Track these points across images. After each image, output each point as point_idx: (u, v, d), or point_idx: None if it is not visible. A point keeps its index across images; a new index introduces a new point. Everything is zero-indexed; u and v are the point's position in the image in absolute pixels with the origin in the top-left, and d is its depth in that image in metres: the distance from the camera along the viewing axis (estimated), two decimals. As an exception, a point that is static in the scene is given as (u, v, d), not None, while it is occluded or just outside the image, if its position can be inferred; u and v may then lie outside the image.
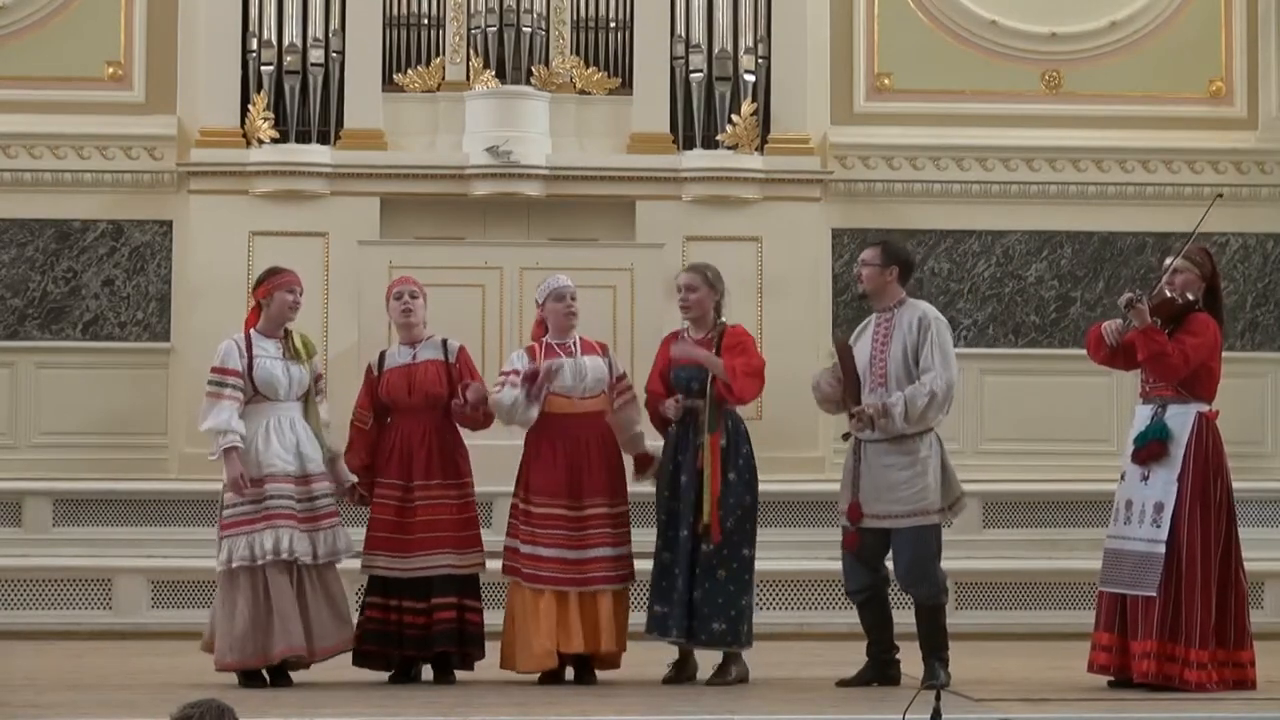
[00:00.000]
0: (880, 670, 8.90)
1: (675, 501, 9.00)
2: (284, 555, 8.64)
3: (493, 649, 9.04)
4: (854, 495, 8.83)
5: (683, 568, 8.92)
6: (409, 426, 9.05)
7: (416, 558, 8.92)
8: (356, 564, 9.18)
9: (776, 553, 11.67)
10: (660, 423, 9.16)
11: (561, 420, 9.01)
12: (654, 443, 9.26)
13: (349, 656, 9.00)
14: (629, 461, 9.16)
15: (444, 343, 9.17)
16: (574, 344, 9.12)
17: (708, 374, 8.95)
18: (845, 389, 8.87)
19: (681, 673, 9.05)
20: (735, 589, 8.93)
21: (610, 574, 8.92)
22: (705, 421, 8.93)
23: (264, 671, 8.72)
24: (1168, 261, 8.85)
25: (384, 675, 9.03)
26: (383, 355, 9.23)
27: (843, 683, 8.88)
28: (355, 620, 9.08)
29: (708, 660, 9.09)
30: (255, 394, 8.82)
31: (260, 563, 8.66)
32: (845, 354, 8.92)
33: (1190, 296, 8.70)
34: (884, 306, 8.97)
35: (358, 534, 9.17)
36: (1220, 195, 9.18)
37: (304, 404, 8.92)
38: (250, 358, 8.83)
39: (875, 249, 9.06)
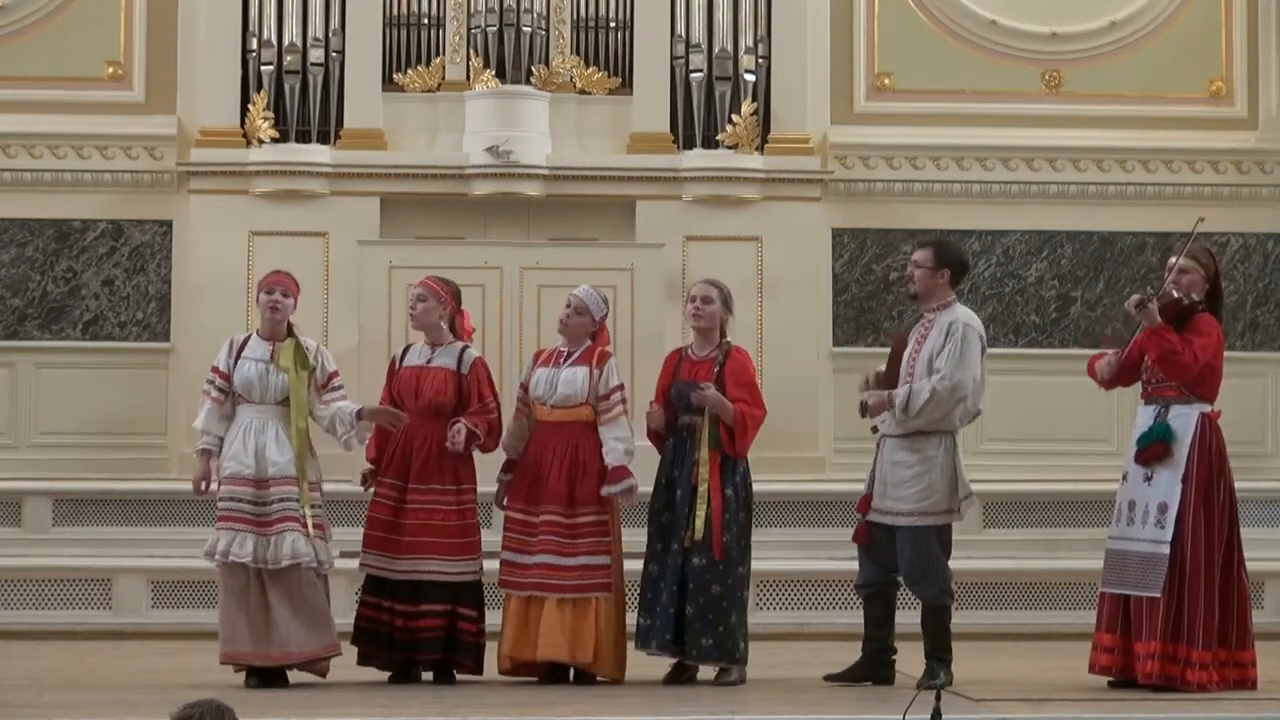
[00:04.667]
0: (874, 668, 8.90)
1: (668, 515, 8.98)
2: (219, 556, 8.68)
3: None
4: (868, 488, 8.87)
5: (669, 582, 8.90)
6: (412, 428, 9.03)
7: (404, 560, 8.92)
8: (354, 564, 9.18)
9: (776, 553, 11.67)
10: (658, 439, 9.13)
11: (541, 427, 9.06)
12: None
13: (350, 656, 9.01)
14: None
15: (462, 351, 9.14)
16: (567, 353, 9.10)
17: (695, 391, 8.92)
18: (886, 384, 8.88)
19: (681, 675, 9.04)
20: (726, 605, 8.88)
21: (546, 582, 8.82)
22: (704, 438, 8.93)
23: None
24: (1171, 261, 8.84)
25: (383, 675, 9.03)
26: (405, 350, 9.26)
27: (831, 677, 8.88)
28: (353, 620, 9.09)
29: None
30: (239, 395, 8.86)
31: (213, 563, 8.75)
32: (898, 350, 8.91)
33: (1195, 297, 8.71)
34: (931, 308, 8.94)
35: (355, 534, 9.17)
36: (1202, 219, 9.23)
37: (287, 409, 8.84)
38: (238, 358, 8.86)
39: (928, 250, 8.97)
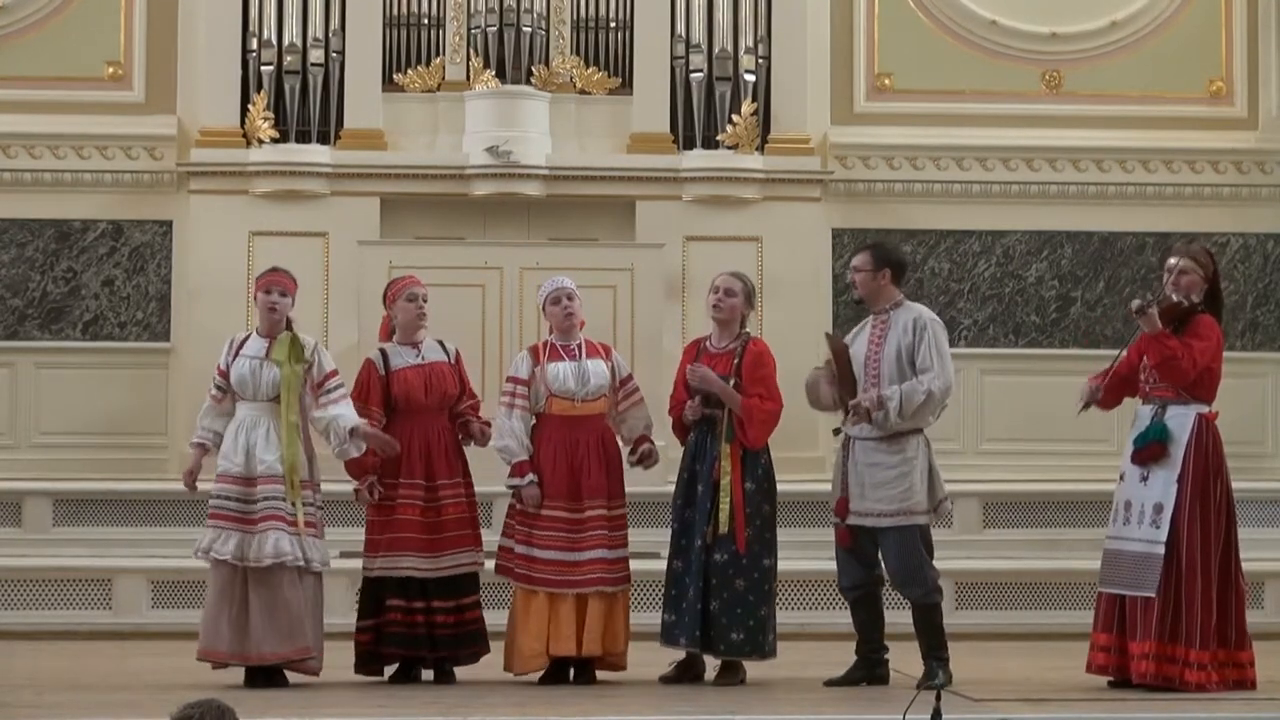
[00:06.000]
0: (869, 669, 8.93)
1: (690, 510, 8.97)
2: (203, 553, 8.71)
3: (497, 649, 9.07)
4: (842, 491, 8.86)
5: (694, 577, 8.90)
6: (424, 426, 9.06)
7: (448, 556, 8.96)
8: (354, 564, 9.18)
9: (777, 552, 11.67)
10: (682, 432, 9.13)
11: (562, 422, 9.01)
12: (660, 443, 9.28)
13: (349, 655, 9.02)
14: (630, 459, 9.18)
15: (442, 344, 9.22)
16: (577, 346, 9.11)
17: (728, 386, 8.93)
18: (841, 387, 8.88)
19: (688, 672, 9.03)
20: (755, 599, 8.91)
21: (606, 576, 8.89)
22: (723, 431, 8.93)
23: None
24: (1171, 262, 8.85)
25: (382, 675, 9.04)
26: (384, 353, 9.22)
27: (831, 682, 8.89)
28: (355, 624, 9.07)
29: (714, 662, 9.08)
30: (236, 393, 8.88)
31: (202, 559, 8.77)
32: (841, 354, 8.93)
33: (1194, 299, 8.72)
34: (880, 309, 8.99)
35: (355, 534, 9.17)
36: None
37: (280, 406, 8.80)
38: (235, 356, 8.88)
39: (865, 254, 9.07)
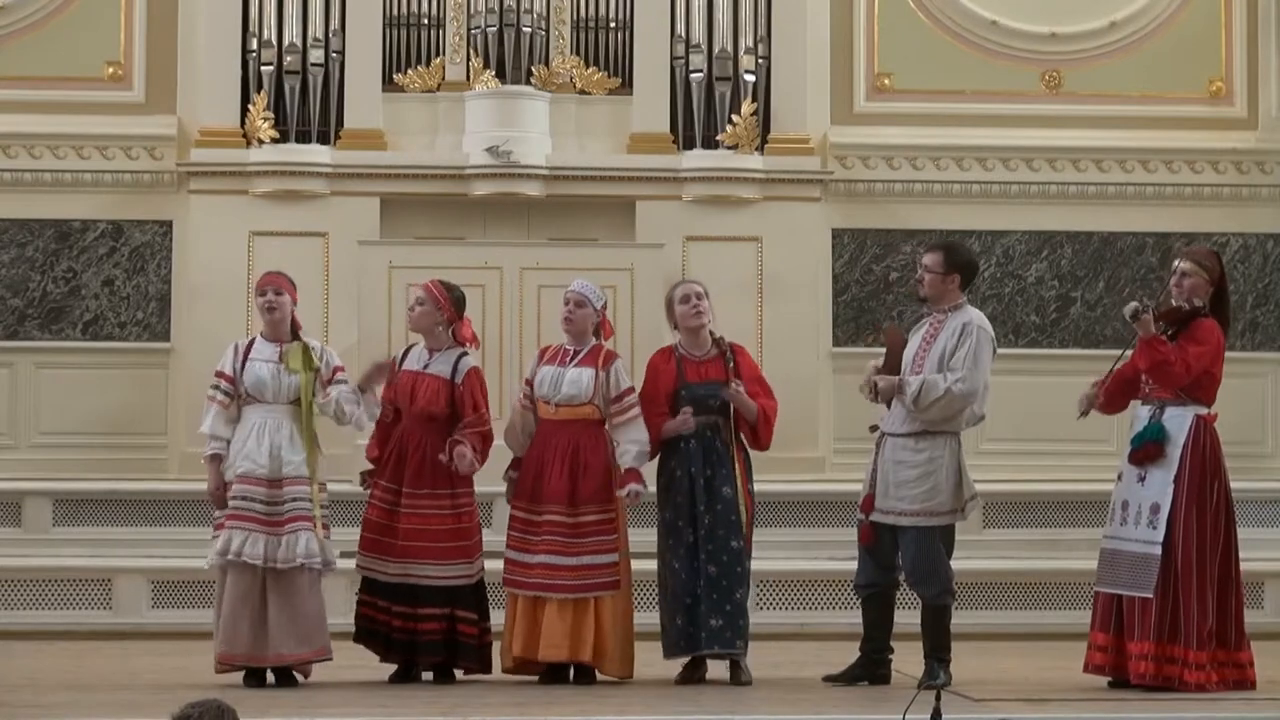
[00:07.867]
0: (870, 669, 8.93)
1: (711, 515, 8.94)
2: (231, 556, 8.66)
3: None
4: (870, 488, 8.88)
5: (737, 579, 8.93)
6: (408, 432, 9.05)
7: (396, 564, 8.92)
8: (352, 563, 9.19)
9: (777, 553, 11.67)
10: (660, 442, 9.07)
11: (546, 425, 9.04)
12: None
13: (351, 655, 9.02)
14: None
15: (458, 359, 9.10)
16: (573, 352, 9.08)
17: (728, 390, 8.94)
18: (882, 372, 8.89)
19: (695, 673, 9.05)
20: (740, 597, 8.99)
21: (550, 582, 8.81)
22: (732, 436, 8.97)
23: (268, 671, 8.75)
24: (1175, 264, 8.85)
25: (383, 672, 9.03)
26: (406, 352, 9.25)
27: (830, 678, 8.90)
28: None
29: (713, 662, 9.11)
30: (249, 396, 8.84)
31: (223, 562, 8.70)
32: (896, 343, 8.92)
33: (1197, 302, 8.70)
34: (941, 309, 8.95)
35: (355, 534, 9.18)
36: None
37: (299, 409, 8.83)
38: (245, 360, 8.86)
39: (938, 254, 8.97)
